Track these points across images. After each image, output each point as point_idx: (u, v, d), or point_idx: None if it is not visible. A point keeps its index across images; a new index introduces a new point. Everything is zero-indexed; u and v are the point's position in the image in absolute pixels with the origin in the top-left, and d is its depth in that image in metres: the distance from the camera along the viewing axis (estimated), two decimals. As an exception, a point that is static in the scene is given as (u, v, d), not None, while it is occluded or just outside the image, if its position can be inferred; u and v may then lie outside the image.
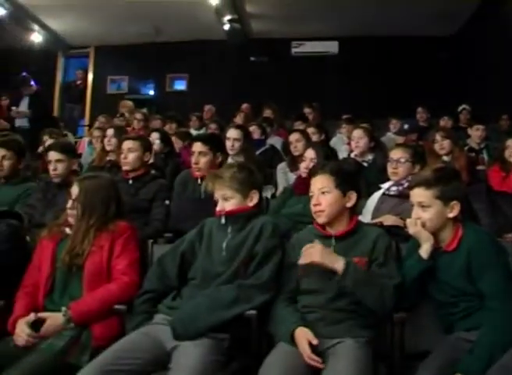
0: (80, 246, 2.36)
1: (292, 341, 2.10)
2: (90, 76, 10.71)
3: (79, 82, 10.33)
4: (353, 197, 2.30)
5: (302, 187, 3.18)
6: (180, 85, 10.53)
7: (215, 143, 3.45)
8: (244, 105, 8.32)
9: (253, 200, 2.43)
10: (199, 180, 3.30)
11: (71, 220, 2.47)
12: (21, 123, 6.56)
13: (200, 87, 9.96)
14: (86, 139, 6.24)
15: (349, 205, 2.29)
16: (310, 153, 3.48)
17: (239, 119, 7.15)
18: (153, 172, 3.57)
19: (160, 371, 2.08)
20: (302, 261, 2.16)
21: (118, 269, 2.37)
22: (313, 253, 2.14)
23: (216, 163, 3.36)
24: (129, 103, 7.27)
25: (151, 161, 3.89)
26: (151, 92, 10.42)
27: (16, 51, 9.85)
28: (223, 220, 2.38)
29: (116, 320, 2.31)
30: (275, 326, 2.22)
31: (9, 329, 2.26)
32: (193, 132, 6.97)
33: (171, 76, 10.54)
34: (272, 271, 2.26)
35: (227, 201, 2.39)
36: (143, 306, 2.33)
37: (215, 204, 3.06)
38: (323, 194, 2.27)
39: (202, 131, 7.03)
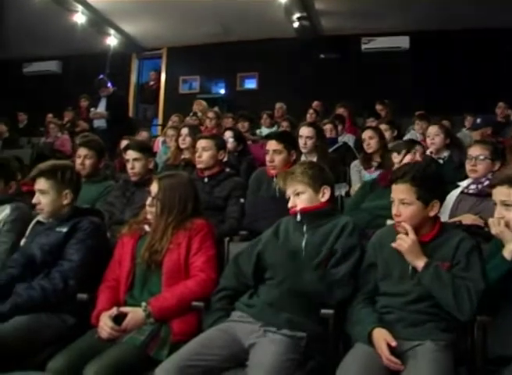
0: (159, 243, 2.41)
1: (369, 341, 2.06)
2: (163, 77, 10.97)
3: (152, 83, 10.63)
4: (436, 206, 2.18)
5: (386, 178, 3.12)
6: (251, 84, 10.57)
7: (290, 141, 3.44)
8: (315, 103, 8.28)
9: (324, 195, 2.40)
10: (274, 179, 3.30)
11: (150, 217, 2.53)
12: (99, 123, 6.77)
13: (270, 85, 9.96)
14: (160, 138, 6.37)
15: (432, 214, 2.19)
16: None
17: (310, 116, 7.13)
18: (227, 170, 3.59)
19: (236, 368, 2.10)
20: (394, 245, 2.14)
21: (195, 266, 2.40)
22: (403, 243, 2.11)
23: (291, 161, 3.35)
24: (203, 102, 7.39)
25: (225, 159, 3.93)
26: (222, 91, 10.52)
27: (94, 55, 10.24)
28: (299, 217, 2.36)
29: (194, 316, 2.34)
30: (352, 326, 2.19)
31: (93, 322, 2.34)
32: (265, 130, 7.01)
33: (241, 75, 10.60)
34: (350, 268, 2.23)
35: (298, 196, 2.38)
36: (220, 303, 2.36)
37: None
38: (403, 205, 2.17)
39: (274, 129, 7.06)
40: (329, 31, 9.82)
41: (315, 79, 9.61)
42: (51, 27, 9.25)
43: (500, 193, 2.14)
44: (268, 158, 3.33)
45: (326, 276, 2.20)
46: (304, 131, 4.09)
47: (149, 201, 2.52)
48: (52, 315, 2.39)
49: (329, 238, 2.29)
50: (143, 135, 6.22)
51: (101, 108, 6.84)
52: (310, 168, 2.43)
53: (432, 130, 4.23)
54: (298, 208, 2.36)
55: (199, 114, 7.35)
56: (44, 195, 2.60)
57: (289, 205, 2.40)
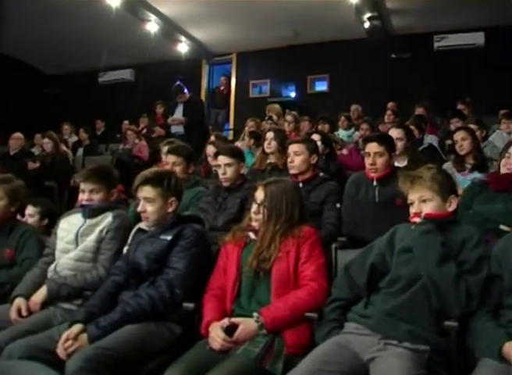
0: (267, 251, 2.34)
1: (500, 357, 1.90)
2: (233, 82, 11.03)
3: (222, 88, 10.69)
4: None
5: (502, 183, 2.96)
6: (321, 86, 10.45)
7: (390, 143, 3.30)
8: (390, 104, 8.12)
9: (452, 205, 2.25)
10: (374, 182, 3.17)
11: (255, 225, 2.46)
12: (177, 129, 6.83)
13: (341, 87, 9.85)
14: (238, 143, 6.35)
15: None
16: None
17: (388, 117, 6.96)
18: (321, 174, 3.49)
19: (355, 383, 1.99)
20: None
21: (306, 275, 2.31)
22: None
23: (391, 164, 3.22)
24: (277, 106, 7.35)
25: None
26: (293, 94, 10.46)
27: (165, 62, 10.43)
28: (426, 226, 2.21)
29: (306, 328, 2.25)
30: (477, 340, 2.03)
31: (202, 332, 2.29)
32: (342, 132, 6.88)
33: (311, 77, 10.51)
34: (481, 280, 2.08)
35: (425, 203, 2.23)
36: (333, 314, 2.26)
37: (392, 208, 2.94)
38: None
39: (351, 131, 6.92)
40: (400, 30, 9.61)
41: (387, 79, 9.44)
42: (125, 37, 9.50)
43: None
44: (369, 160, 3.20)
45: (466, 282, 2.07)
46: (394, 133, 3.95)
47: (254, 208, 2.45)
48: (160, 324, 2.35)
49: (456, 249, 2.15)
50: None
51: (178, 114, 6.89)
52: (439, 174, 2.29)
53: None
54: (423, 214, 2.22)
55: (274, 118, 7.31)
56: (150, 203, 2.57)
57: (414, 210, 2.25)
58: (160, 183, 2.57)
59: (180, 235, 2.51)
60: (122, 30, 9.18)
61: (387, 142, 3.27)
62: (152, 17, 9.09)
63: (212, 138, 5.28)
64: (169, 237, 2.51)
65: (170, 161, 3.79)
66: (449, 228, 2.22)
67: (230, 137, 9.39)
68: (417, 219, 2.22)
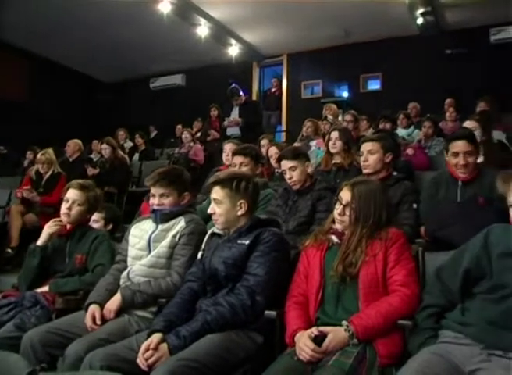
0: (353, 255, 2.20)
1: None
2: (285, 83, 10.97)
3: (274, 89, 10.62)
4: None
5: None
6: (375, 85, 10.30)
7: (476, 141, 3.11)
8: (448, 100, 7.89)
9: None
10: (459, 182, 3.00)
11: (339, 227, 2.34)
12: (233, 131, 6.80)
13: (394, 85, 9.68)
14: (297, 144, 6.23)
15: None
16: None
17: (450, 115, 6.73)
18: (395, 173, 3.33)
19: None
20: None
21: (396, 279, 2.16)
22: None
23: (478, 164, 3.04)
24: (334, 106, 7.21)
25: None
26: (345, 94, 10.31)
27: (216, 66, 10.44)
28: None
29: (399, 336, 2.10)
30: None
31: (288, 341, 2.18)
32: (401, 131, 6.67)
33: (364, 76, 10.37)
34: None
35: None
36: (427, 321, 2.09)
37: (476, 208, 2.76)
38: None
39: (410, 130, 6.71)
40: (455, 25, 9.36)
41: (443, 76, 9.17)
42: (175, 43, 9.58)
43: None
44: (460, 161, 3.01)
45: None
46: (468, 125, 3.78)
47: (339, 209, 2.32)
48: (241, 333, 2.25)
49: None
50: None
51: (234, 116, 6.84)
52: None
53: None
54: None
55: (329, 117, 7.17)
56: (218, 205, 2.48)
57: None
58: (229, 185, 2.48)
59: (259, 239, 2.40)
60: (173, 35, 9.25)
61: (475, 140, 3.08)
62: (202, 21, 9.13)
63: (264, 141, 5.17)
64: (247, 242, 2.40)
65: (237, 162, 3.70)
66: None
67: (283, 139, 9.32)
68: None
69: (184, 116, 9.65)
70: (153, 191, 2.84)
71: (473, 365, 1.87)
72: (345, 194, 2.32)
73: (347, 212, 2.30)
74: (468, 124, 3.79)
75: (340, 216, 2.32)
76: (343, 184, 2.41)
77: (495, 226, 2.18)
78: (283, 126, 10.51)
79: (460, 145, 3.03)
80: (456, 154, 3.05)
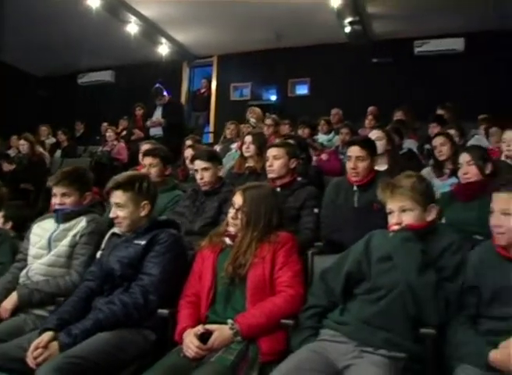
0: (243, 257, 2.30)
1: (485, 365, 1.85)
2: (214, 84, 10.98)
3: (203, 90, 10.64)
4: None
5: (467, 193, 3.00)
6: (302, 89, 10.43)
7: (372, 147, 3.28)
8: (371, 108, 8.12)
9: (431, 214, 2.23)
10: (354, 187, 3.15)
11: (232, 230, 2.43)
12: (156, 131, 6.78)
13: (322, 91, 9.82)
14: (217, 147, 6.30)
15: None
16: (465, 157, 3.21)
17: (369, 122, 6.96)
18: (299, 179, 3.46)
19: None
20: None
21: (282, 281, 2.28)
22: None
23: (372, 169, 3.20)
24: (258, 110, 7.28)
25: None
26: (273, 98, 10.41)
27: (146, 64, 10.34)
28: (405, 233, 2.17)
29: (282, 335, 2.22)
30: (456, 347, 1.99)
31: (177, 339, 2.25)
32: (322, 137, 6.86)
33: (293, 81, 10.48)
34: (458, 287, 2.08)
35: (405, 213, 2.19)
36: (309, 321, 2.23)
37: (370, 213, 2.92)
38: (505, 216, 2.00)
39: (331, 136, 6.90)
40: (381, 35, 9.64)
41: (368, 84, 9.43)
42: (105, 39, 9.42)
43: None
44: (350, 164, 3.17)
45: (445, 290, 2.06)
46: (373, 134, 4.01)
47: (232, 213, 2.41)
48: (134, 331, 2.30)
49: (435, 255, 2.13)
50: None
51: (157, 116, 6.83)
52: (420, 182, 2.25)
53: (509, 135, 3.99)
54: (404, 224, 2.18)
55: (252, 121, 7.21)
56: (121, 208, 2.51)
57: (394, 221, 2.20)
58: (131, 188, 2.51)
59: (155, 240, 2.46)
60: (103, 31, 9.09)
61: (370, 146, 3.24)
62: (132, 18, 9.03)
63: (188, 142, 5.22)
64: (144, 242, 2.45)
65: (146, 163, 3.74)
66: (429, 236, 2.20)
67: (210, 140, 9.36)
68: (396, 228, 2.20)
69: (112, 114, 9.51)
70: (55, 190, 2.85)
71: (346, 361, 2.02)
72: (237, 199, 2.42)
73: (240, 216, 2.39)
74: (374, 133, 3.96)
75: (233, 220, 2.41)
76: (236, 189, 2.51)
77: (376, 232, 2.34)
78: (211, 127, 10.55)
79: (352, 150, 3.19)
80: (349, 158, 3.20)
